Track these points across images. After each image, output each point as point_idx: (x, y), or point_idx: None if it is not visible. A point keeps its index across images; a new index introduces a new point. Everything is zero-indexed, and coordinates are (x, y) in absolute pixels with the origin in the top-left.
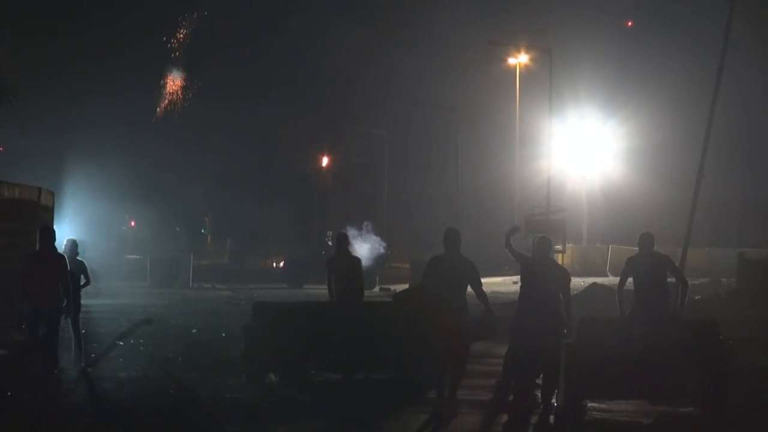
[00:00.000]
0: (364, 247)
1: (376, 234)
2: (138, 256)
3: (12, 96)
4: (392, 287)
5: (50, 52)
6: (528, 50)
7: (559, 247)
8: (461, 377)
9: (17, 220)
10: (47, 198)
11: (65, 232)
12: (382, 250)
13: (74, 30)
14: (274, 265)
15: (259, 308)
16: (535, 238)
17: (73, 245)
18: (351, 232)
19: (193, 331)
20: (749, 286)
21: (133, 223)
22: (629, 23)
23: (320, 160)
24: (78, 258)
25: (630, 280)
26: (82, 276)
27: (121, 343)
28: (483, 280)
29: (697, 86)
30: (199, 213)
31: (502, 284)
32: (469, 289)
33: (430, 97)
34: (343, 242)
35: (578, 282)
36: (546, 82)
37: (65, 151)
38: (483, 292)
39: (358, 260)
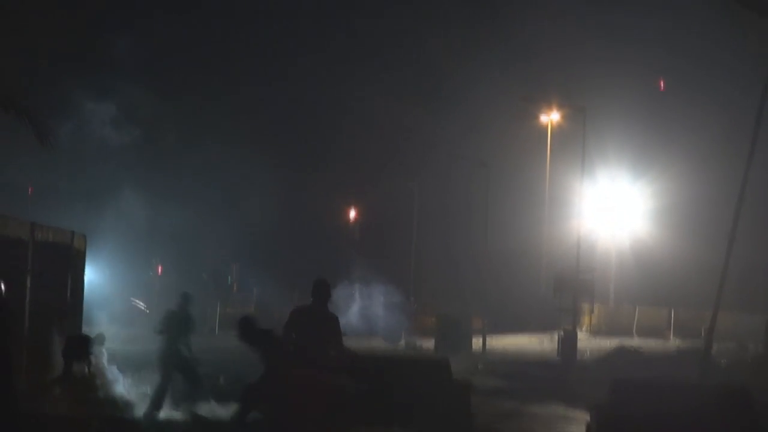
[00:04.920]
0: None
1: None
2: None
3: (53, 140)
4: (418, 342)
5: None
6: (560, 108)
7: (588, 306)
8: None
9: (50, 263)
10: (80, 242)
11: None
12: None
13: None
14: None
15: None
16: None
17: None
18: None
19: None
20: None
21: (159, 269)
22: (662, 85)
23: (348, 213)
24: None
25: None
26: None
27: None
28: (509, 339)
29: (726, 146)
30: (225, 261)
31: (528, 343)
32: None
33: (461, 152)
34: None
35: (604, 343)
36: (574, 141)
37: (93, 192)
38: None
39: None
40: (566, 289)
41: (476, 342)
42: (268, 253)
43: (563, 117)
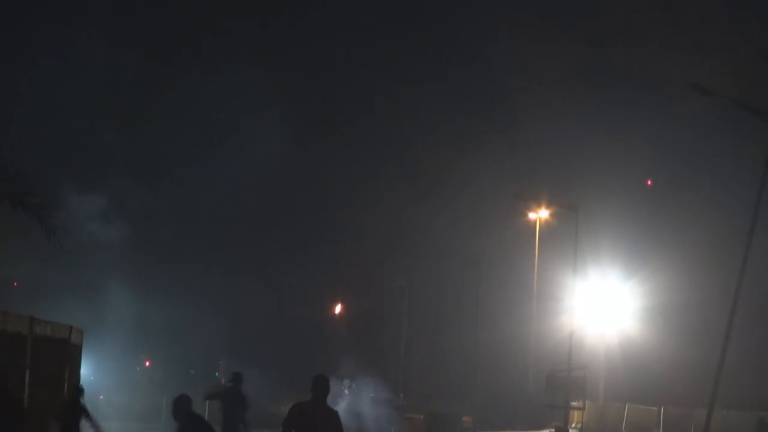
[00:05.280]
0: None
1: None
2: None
3: (63, 238)
4: None
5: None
6: (552, 205)
7: (576, 403)
8: None
9: (48, 357)
10: (77, 336)
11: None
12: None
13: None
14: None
15: None
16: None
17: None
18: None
19: None
20: None
21: (147, 364)
22: (649, 182)
23: (335, 307)
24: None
25: None
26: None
27: None
28: None
29: (717, 249)
30: (213, 356)
31: None
32: None
33: (451, 248)
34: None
35: None
36: (564, 238)
37: (83, 284)
38: None
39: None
40: (558, 387)
41: None
42: (256, 348)
43: (555, 213)
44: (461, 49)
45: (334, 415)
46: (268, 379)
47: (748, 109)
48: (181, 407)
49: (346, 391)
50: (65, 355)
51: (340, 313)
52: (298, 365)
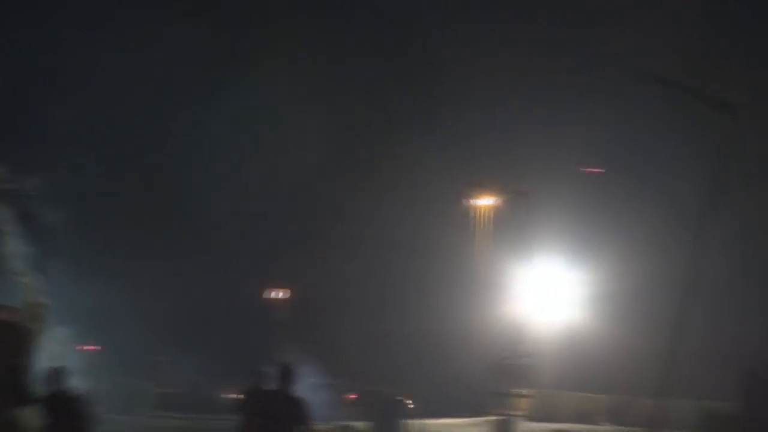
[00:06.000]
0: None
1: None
2: None
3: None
4: (351, 422)
5: None
6: (501, 193)
7: (522, 391)
8: None
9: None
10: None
11: None
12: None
13: None
14: (236, 396)
15: None
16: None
17: None
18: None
19: None
20: None
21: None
22: (594, 170)
23: (274, 292)
24: None
25: None
26: None
27: None
28: (440, 421)
29: (664, 236)
30: (155, 342)
31: (461, 425)
32: None
33: (399, 235)
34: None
35: (539, 428)
36: (512, 226)
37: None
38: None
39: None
40: (504, 374)
41: (409, 424)
42: (197, 335)
43: (503, 201)
44: (404, 33)
45: (300, 401)
46: (210, 366)
47: (699, 97)
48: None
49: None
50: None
51: (279, 298)
52: (237, 351)
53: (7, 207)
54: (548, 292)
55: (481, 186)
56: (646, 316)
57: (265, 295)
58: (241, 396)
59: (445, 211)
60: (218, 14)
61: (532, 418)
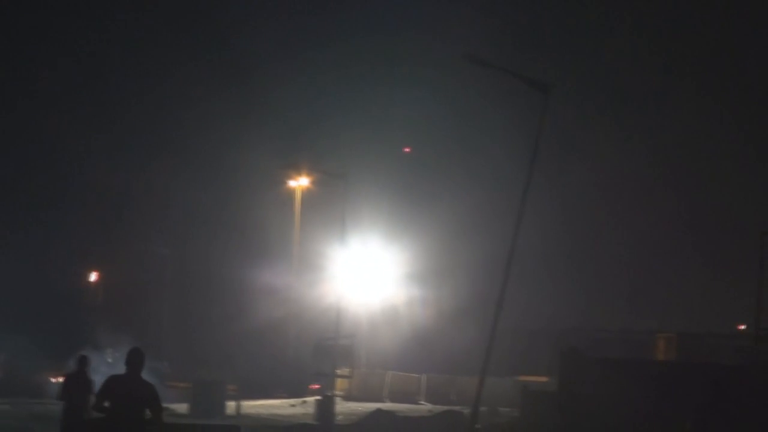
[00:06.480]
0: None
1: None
2: None
3: None
4: (172, 405)
5: None
6: (319, 174)
7: (342, 371)
8: None
9: None
10: None
11: None
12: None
13: None
14: (53, 380)
15: None
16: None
17: None
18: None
19: None
20: (531, 416)
21: None
22: (407, 150)
23: (91, 274)
24: None
25: None
26: None
27: None
28: (260, 402)
29: (476, 215)
30: None
31: (279, 406)
32: None
33: (220, 218)
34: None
35: (357, 407)
36: (327, 207)
37: None
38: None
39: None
40: (325, 354)
41: (230, 406)
42: (14, 318)
43: (318, 182)
44: (211, 23)
45: (150, 387)
46: (27, 349)
47: (519, 77)
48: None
49: (110, 360)
50: None
51: (96, 281)
52: (55, 334)
53: None
54: (365, 273)
55: (296, 167)
56: (463, 294)
57: (81, 278)
58: (62, 379)
59: (265, 192)
60: None
61: (351, 398)
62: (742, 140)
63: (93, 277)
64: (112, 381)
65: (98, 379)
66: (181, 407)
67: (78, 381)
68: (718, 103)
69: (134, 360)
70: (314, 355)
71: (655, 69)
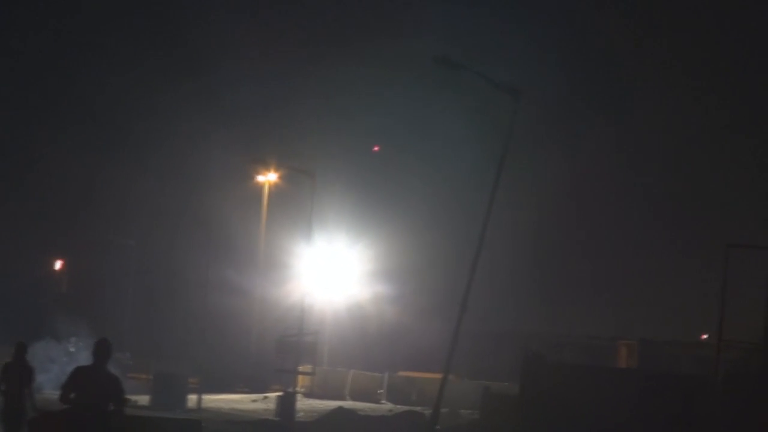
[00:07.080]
0: None
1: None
2: None
3: None
4: (133, 398)
5: None
6: (285, 170)
7: (305, 368)
8: None
9: None
10: None
11: None
12: None
13: None
14: None
15: None
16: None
17: None
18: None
19: None
20: (492, 419)
21: None
22: (376, 148)
23: (54, 263)
24: None
25: None
26: None
27: None
28: (221, 397)
29: (442, 213)
30: None
31: (240, 401)
32: None
33: (185, 212)
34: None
35: (318, 405)
36: (294, 204)
37: None
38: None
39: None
40: (288, 351)
41: (191, 400)
42: None
43: (285, 178)
44: (178, 15)
45: (115, 378)
46: None
47: (489, 82)
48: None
49: (72, 349)
50: None
51: (60, 270)
52: (16, 323)
53: None
54: (331, 270)
55: (264, 163)
56: (429, 293)
57: (46, 266)
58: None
59: (232, 188)
60: None
61: (313, 395)
62: (711, 154)
63: (57, 265)
64: (79, 372)
65: (59, 368)
66: (143, 399)
67: (16, 369)
68: (691, 113)
69: (101, 351)
70: (277, 351)
71: (627, 73)
